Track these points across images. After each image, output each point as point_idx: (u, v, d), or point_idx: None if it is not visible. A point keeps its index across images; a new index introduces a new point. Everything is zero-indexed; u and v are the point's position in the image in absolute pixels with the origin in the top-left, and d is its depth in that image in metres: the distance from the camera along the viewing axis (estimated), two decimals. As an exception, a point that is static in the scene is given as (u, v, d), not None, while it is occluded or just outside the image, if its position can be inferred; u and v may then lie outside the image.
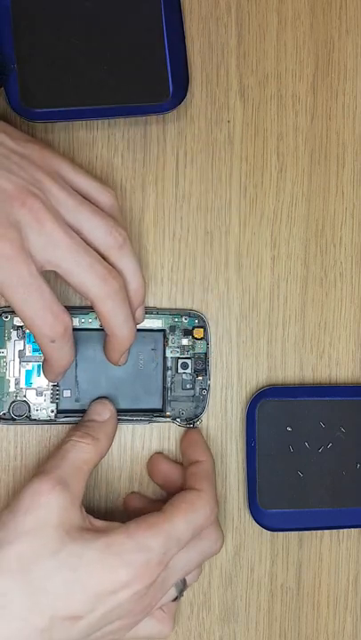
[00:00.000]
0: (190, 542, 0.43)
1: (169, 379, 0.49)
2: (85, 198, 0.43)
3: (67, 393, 0.48)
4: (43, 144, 0.44)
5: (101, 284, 0.41)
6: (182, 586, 0.44)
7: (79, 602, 0.40)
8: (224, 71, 0.51)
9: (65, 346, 0.42)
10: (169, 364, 0.49)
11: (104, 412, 0.47)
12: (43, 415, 0.48)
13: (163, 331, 0.49)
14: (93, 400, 0.48)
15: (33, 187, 0.40)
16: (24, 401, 0.48)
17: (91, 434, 0.45)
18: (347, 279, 0.52)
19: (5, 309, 0.47)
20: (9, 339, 0.48)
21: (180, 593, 0.44)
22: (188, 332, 0.49)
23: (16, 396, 0.48)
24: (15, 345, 0.48)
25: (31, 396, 0.48)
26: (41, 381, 0.48)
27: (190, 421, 0.49)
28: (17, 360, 0.48)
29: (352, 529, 0.51)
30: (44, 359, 0.43)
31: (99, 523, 0.43)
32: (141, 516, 0.42)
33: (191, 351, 0.49)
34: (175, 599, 0.45)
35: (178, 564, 0.43)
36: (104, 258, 0.42)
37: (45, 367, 0.44)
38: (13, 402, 0.48)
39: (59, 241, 0.40)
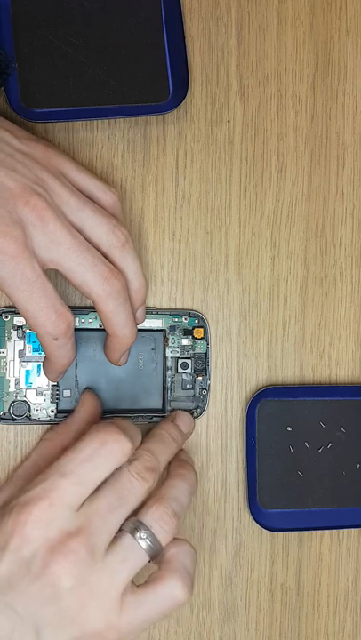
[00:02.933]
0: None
1: (169, 379, 0.49)
2: (89, 197, 0.43)
3: (67, 393, 0.48)
4: (47, 143, 0.44)
5: (103, 284, 0.41)
6: (133, 525, 0.40)
7: None
8: (224, 71, 0.51)
9: (67, 344, 0.42)
10: (169, 363, 0.49)
11: (78, 406, 0.47)
12: (43, 415, 0.48)
13: (163, 331, 0.49)
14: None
15: (36, 185, 0.40)
16: (24, 401, 0.48)
17: (54, 428, 0.47)
18: (347, 279, 0.52)
19: (5, 309, 0.47)
20: (9, 339, 0.48)
21: (136, 533, 0.40)
22: (188, 332, 0.49)
23: (16, 396, 0.48)
24: (15, 345, 0.48)
25: (31, 396, 0.48)
26: (41, 381, 0.48)
27: (189, 413, 0.49)
28: (17, 360, 0.48)
29: (352, 529, 0.51)
30: (46, 357, 0.43)
31: None
32: None
33: (191, 351, 0.49)
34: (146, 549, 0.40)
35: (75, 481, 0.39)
36: (106, 257, 0.43)
37: (46, 366, 0.44)
38: (13, 402, 0.48)
39: (62, 240, 0.40)
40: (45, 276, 0.40)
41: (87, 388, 0.48)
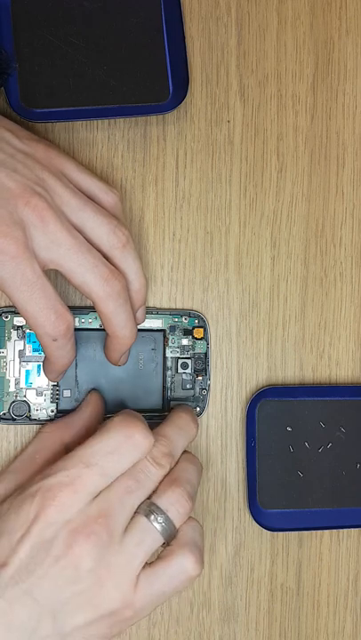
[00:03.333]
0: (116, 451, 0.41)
1: (169, 379, 0.49)
2: (89, 198, 0.43)
3: (67, 393, 0.48)
4: (48, 143, 0.44)
5: (103, 285, 0.41)
6: (148, 508, 0.41)
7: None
8: (224, 71, 0.51)
9: (67, 345, 0.42)
10: (169, 363, 0.49)
11: (82, 405, 0.47)
12: (43, 415, 0.48)
13: (163, 331, 0.49)
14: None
15: (37, 186, 0.40)
16: (24, 401, 0.48)
17: (54, 422, 0.47)
18: (347, 279, 0.52)
19: (5, 309, 0.47)
20: (9, 339, 0.48)
21: (152, 516, 0.41)
22: (188, 332, 0.49)
23: (16, 396, 0.48)
24: (15, 345, 0.48)
25: (31, 396, 0.48)
26: (41, 381, 0.48)
27: None
28: (17, 360, 0.48)
29: (352, 529, 0.51)
30: (45, 358, 0.43)
31: None
32: None
33: (191, 351, 0.49)
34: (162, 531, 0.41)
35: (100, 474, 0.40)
36: (107, 258, 0.42)
37: (46, 366, 0.44)
38: (13, 402, 0.48)
39: (62, 241, 0.40)
40: (45, 277, 0.40)
41: (93, 389, 0.48)
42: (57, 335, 0.41)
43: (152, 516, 0.41)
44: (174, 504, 0.41)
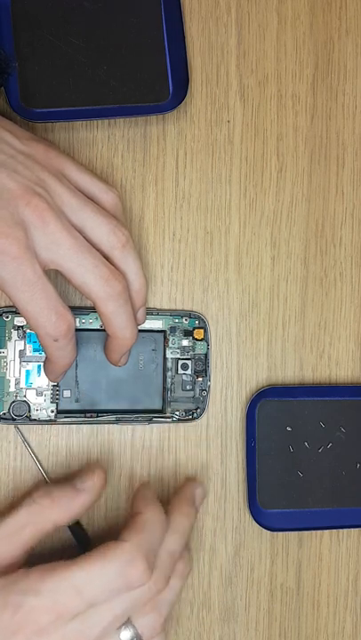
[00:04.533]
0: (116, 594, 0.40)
1: (169, 379, 0.49)
2: (89, 198, 0.43)
3: (67, 393, 0.48)
4: (48, 143, 0.44)
5: (104, 285, 0.41)
6: (132, 630, 0.41)
7: None
8: (224, 71, 0.51)
9: (67, 345, 0.42)
10: (169, 364, 0.49)
11: (88, 480, 0.44)
12: (43, 415, 0.48)
13: (163, 331, 0.49)
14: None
15: (37, 186, 0.40)
16: (24, 401, 0.48)
17: (49, 492, 0.43)
18: (347, 279, 0.52)
19: (6, 309, 0.47)
20: (9, 339, 0.48)
21: (122, 626, 0.41)
22: (188, 333, 0.49)
23: (16, 396, 0.48)
24: (15, 345, 0.48)
25: (31, 396, 0.48)
26: (41, 381, 0.48)
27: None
28: (17, 360, 0.48)
29: (352, 529, 0.51)
30: (46, 358, 0.43)
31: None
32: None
33: (191, 352, 0.49)
34: None
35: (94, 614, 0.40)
36: (107, 258, 0.42)
37: (47, 366, 0.44)
38: (13, 402, 0.48)
39: (62, 241, 0.40)
40: (46, 277, 0.40)
41: (99, 467, 0.45)
42: (58, 335, 0.41)
43: (122, 627, 0.41)
44: (150, 630, 0.42)
